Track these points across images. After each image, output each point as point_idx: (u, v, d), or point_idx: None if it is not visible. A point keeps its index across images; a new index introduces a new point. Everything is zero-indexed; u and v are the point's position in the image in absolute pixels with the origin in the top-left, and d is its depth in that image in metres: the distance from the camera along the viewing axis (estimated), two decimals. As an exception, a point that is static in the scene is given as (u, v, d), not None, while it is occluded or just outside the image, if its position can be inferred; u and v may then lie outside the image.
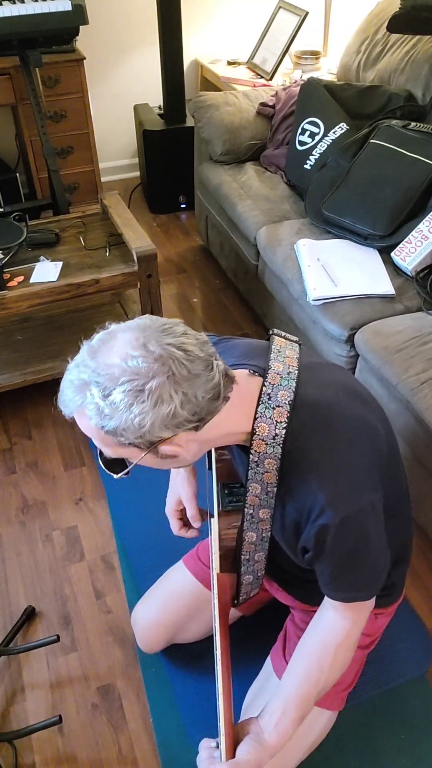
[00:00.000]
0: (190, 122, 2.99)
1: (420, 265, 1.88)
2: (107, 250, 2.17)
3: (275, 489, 0.96)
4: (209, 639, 1.42)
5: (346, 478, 0.92)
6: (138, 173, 3.61)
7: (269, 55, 3.04)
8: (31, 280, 2.01)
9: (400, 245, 1.92)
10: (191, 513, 1.28)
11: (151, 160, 3.11)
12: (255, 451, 0.93)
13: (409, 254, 1.88)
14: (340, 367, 1.09)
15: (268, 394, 0.93)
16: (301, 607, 1.29)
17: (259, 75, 3.07)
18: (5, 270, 2.02)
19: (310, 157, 2.28)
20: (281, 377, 0.94)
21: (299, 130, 2.33)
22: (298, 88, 2.44)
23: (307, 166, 2.29)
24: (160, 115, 3.15)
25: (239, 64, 3.22)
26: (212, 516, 1.18)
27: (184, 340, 0.84)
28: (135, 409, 0.80)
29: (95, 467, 2.01)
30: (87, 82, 2.89)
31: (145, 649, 1.48)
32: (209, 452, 1.22)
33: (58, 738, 1.41)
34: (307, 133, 2.31)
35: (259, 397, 0.93)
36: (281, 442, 0.92)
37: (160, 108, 3.20)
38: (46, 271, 2.04)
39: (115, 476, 0.95)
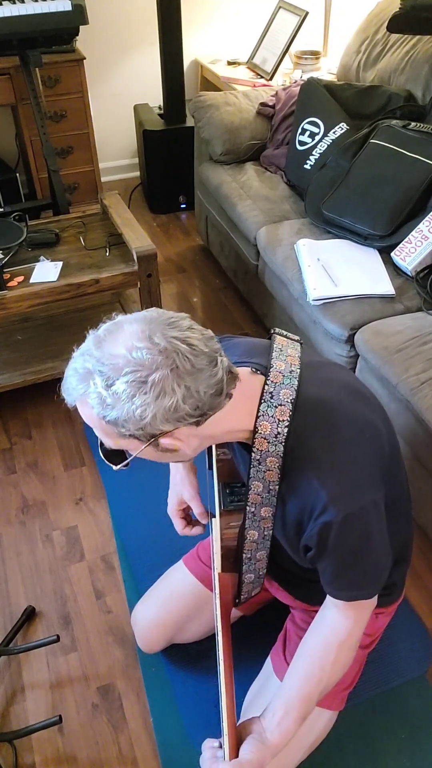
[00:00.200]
0: (190, 122, 2.99)
1: (420, 265, 1.88)
2: (107, 250, 2.17)
3: (277, 487, 0.96)
4: (209, 639, 1.42)
5: (349, 476, 0.92)
6: (138, 173, 3.61)
7: (269, 55, 3.04)
8: (31, 280, 2.00)
9: (400, 245, 1.92)
10: (198, 511, 1.28)
11: (151, 160, 3.11)
12: (257, 449, 0.93)
13: (409, 254, 1.88)
14: (342, 366, 1.09)
15: (271, 393, 0.93)
16: (301, 606, 1.29)
17: (259, 75, 3.07)
18: (5, 270, 2.02)
19: (310, 157, 2.28)
20: (283, 376, 0.95)
21: (299, 130, 2.33)
22: (298, 88, 2.44)
23: (307, 166, 2.29)
24: (160, 115, 3.15)
25: (239, 64, 3.22)
26: (213, 516, 1.18)
27: (190, 335, 0.84)
28: (137, 400, 0.80)
29: (95, 467, 2.01)
30: (87, 82, 2.89)
31: (145, 649, 1.48)
32: (209, 452, 1.22)
33: (58, 738, 1.41)
34: (307, 133, 2.31)
35: (262, 395, 0.93)
36: (283, 440, 0.92)
37: (160, 108, 3.20)
38: (46, 271, 2.04)
39: (114, 467, 0.95)
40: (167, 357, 0.81)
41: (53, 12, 2.20)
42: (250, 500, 0.98)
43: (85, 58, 2.82)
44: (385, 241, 1.98)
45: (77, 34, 2.34)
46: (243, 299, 2.67)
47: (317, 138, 2.28)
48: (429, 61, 2.25)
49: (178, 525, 1.32)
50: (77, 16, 2.24)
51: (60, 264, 2.07)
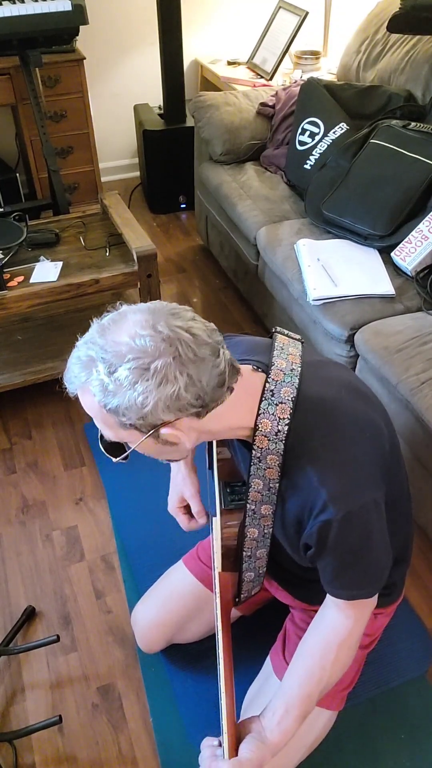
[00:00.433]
0: (190, 122, 2.99)
1: (420, 265, 1.88)
2: (107, 250, 2.17)
3: (277, 485, 0.96)
4: (209, 639, 1.42)
5: (349, 475, 0.92)
6: (138, 173, 3.61)
7: (269, 55, 3.04)
8: (31, 280, 2.01)
9: (400, 245, 1.92)
10: (196, 509, 1.28)
11: (151, 160, 3.11)
12: (257, 447, 0.93)
13: (409, 254, 1.88)
14: (343, 365, 1.09)
15: (271, 391, 0.93)
16: (301, 606, 1.29)
17: (259, 75, 3.07)
18: (5, 270, 2.02)
19: (310, 157, 2.28)
20: (284, 374, 0.95)
21: (299, 130, 2.33)
22: (298, 88, 2.44)
23: (307, 166, 2.29)
24: (160, 115, 3.15)
25: (239, 64, 3.22)
26: (214, 515, 1.18)
27: (193, 325, 0.85)
28: (139, 386, 0.81)
29: (95, 467, 2.01)
30: (87, 82, 2.89)
31: (145, 649, 1.48)
32: (210, 451, 1.22)
33: (58, 738, 1.41)
34: (307, 133, 2.31)
35: (262, 393, 0.93)
36: (284, 438, 0.92)
37: (160, 108, 3.20)
38: (46, 271, 2.04)
39: (114, 460, 0.95)
40: (170, 345, 0.81)
41: (53, 12, 2.20)
42: (250, 498, 0.98)
43: (85, 58, 2.82)
44: (385, 241, 1.98)
45: (77, 34, 2.34)
46: (243, 299, 2.67)
47: (317, 138, 2.28)
48: (429, 61, 2.25)
49: (183, 521, 1.32)
50: (77, 16, 2.24)
51: (60, 264, 2.07)
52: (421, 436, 1.58)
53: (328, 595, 1.03)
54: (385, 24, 2.26)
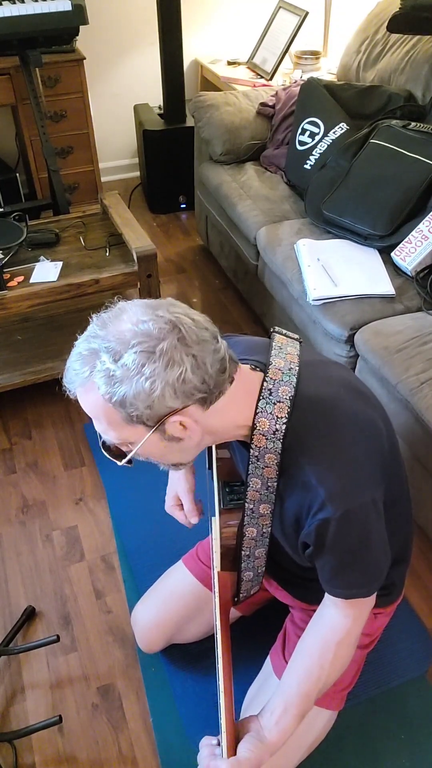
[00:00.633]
0: (190, 122, 2.99)
1: (420, 265, 1.88)
2: (107, 250, 2.17)
3: (275, 484, 0.96)
4: (209, 639, 1.42)
5: (347, 473, 0.92)
6: (138, 173, 3.61)
7: (269, 55, 3.04)
8: (31, 280, 2.01)
9: (400, 245, 1.92)
10: (188, 507, 1.28)
11: (151, 160, 3.11)
12: (255, 446, 0.93)
13: (409, 254, 1.88)
14: (342, 365, 1.09)
15: (269, 390, 0.93)
16: (300, 606, 1.29)
17: (259, 75, 3.07)
18: (5, 270, 2.02)
19: (310, 157, 2.28)
20: (282, 373, 0.95)
21: (299, 130, 2.33)
22: (298, 88, 2.44)
23: (307, 166, 2.29)
24: (160, 115, 3.15)
25: (239, 64, 3.22)
26: (213, 515, 1.18)
27: (191, 311, 0.87)
28: (146, 369, 0.81)
29: (95, 467, 2.01)
30: (87, 82, 2.89)
31: (145, 649, 1.48)
32: (209, 451, 1.22)
33: (58, 738, 1.41)
34: (307, 133, 2.31)
35: (260, 392, 0.93)
36: (281, 437, 0.92)
37: (160, 108, 3.20)
38: (46, 271, 2.04)
39: (119, 463, 0.94)
40: (174, 327, 0.83)
41: (53, 12, 2.20)
42: (248, 497, 0.98)
43: (85, 58, 2.82)
44: (385, 241, 1.98)
45: (77, 34, 2.34)
46: (243, 299, 2.67)
47: (317, 138, 2.28)
48: (429, 61, 2.25)
49: (180, 516, 1.31)
50: (77, 16, 2.24)
51: (60, 264, 2.07)
52: (421, 436, 1.58)
53: (326, 594, 1.03)
54: (385, 24, 2.26)
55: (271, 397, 0.93)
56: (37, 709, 1.46)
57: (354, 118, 2.28)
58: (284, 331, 1.05)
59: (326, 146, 2.24)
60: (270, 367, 0.95)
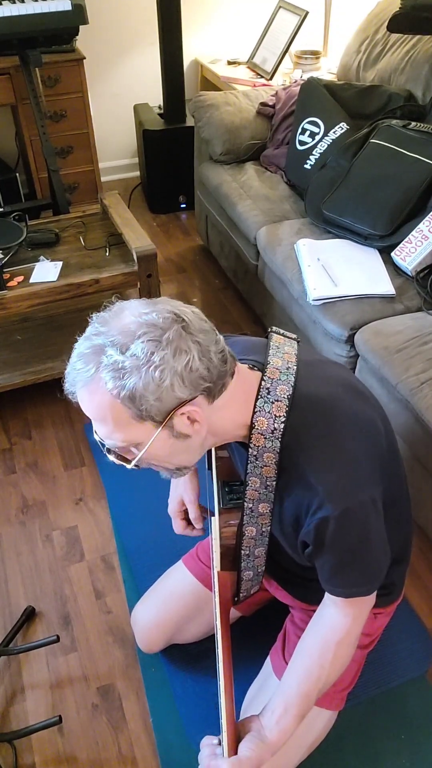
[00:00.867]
0: (190, 122, 2.99)
1: (420, 265, 1.88)
2: (107, 250, 2.17)
3: (274, 483, 0.96)
4: (209, 639, 1.42)
5: (346, 472, 0.92)
6: (138, 173, 3.60)
7: (269, 55, 3.04)
8: (31, 280, 2.01)
9: (400, 245, 1.92)
10: (194, 516, 1.29)
11: (151, 160, 3.11)
12: (254, 445, 0.93)
13: (409, 254, 1.88)
14: (340, 365, 1.09)
15: (267, 389, 0.93)
16: (300, 606, 1.29)
17: (259, 75, 3.07)
18: (5, 270, 2.02)
19: (310, 157, 2.28)
20: (280, 372, 0.95)
21: (299, 130, 2.33)
22: (298, 87, 2.44)
23: (307, 166, 2.29)
24: (160, 115, 3.15)
25: (239, 63, 3.22)
26: (213, 514, 1.18)
27: (188, 306, 0.89)
28: (156, 357, 0.81)
29: (95, 467, 2.01)
30: (87, 82, 2.89)
31: (145, 649, 1.48)
32: (209, 452, 1.22)
33: (58, 738, 1.41)
34: (307, 132, 2.31)
35: (258, 391, 0.93)
36: (280, 436, 0.92)
37: (160, 108, 3.20)
38: (46, 271, 2.04)
39: (128, 466, 0.93)
40: (177, 316, 0.84)
41: (53, 12, 2.20)
42: (247, 496, 0.98)
43: (85, 58, 2.82)
44: (385, 240, 1.98)
45: (77, 34, 2.34)
46: (243, 299, 2.67)
47: (317, 138, 2.28)
48: (429, 61, 2.25)
49: (178, 526, 1.32)
50: (77, 16, 2.24)
51: (60, 264, 2.07)
52: (421, 436, 1.58)
53: (326, 594, 1.03)
54: (385, 24, 2.26)
55: (269, 396, 0.93)
56: (37, 709, 1.46)
57: (354, 118, 2.27)
58: (281, 331, 1.05)
59: (326, 146, 2.24)
60: (268, 366, 0.95)
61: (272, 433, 0.92)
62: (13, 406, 2.23)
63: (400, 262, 1.91)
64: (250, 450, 0.94)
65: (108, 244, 2.18)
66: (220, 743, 0.97)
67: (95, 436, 0.92)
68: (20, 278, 2.01)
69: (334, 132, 2.25)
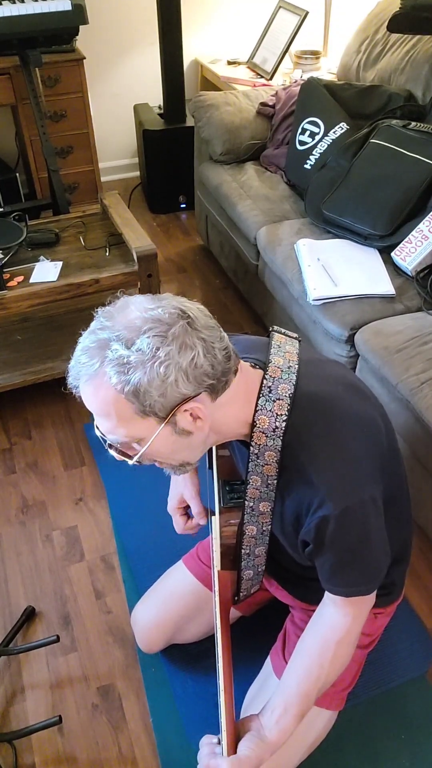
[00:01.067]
0: (190, 122, 2.99)
1: (420, 265, 1.88)
2: (107, 249, 2.17)
3: (275, 481, 0.96)
4: (209, 639, 1.42)
5: (347, 471, 0.92)
6: (138, 173, 3.61)
7: (269, 55, 3.04)
8: (31, 280, 2.00)
9: (401, 245, 1.92)
10: (197, 510, 1.28)
11: (151, 160, 3.11)
12: (255, 443, 0.93)
13: (409, 254, 1.88)
14: (341, 364, 1.09)
15: (269, 387, 0.93)
16: (300, 606, 1.29)
17: (259, 75, 3.07)
18: (5, 270, 2.02)
19: (310, 157, 2.28)
20: (282, 371, 0.95)
21: (299, 130, 2.33)
22: (298, 87, 2.44)
23: (307, 166, 2.29)
24: (160, 115, 3.15)
25: (239, 63, 3.22)
26: (213, 513, 1.18)
27: (193, 302, 0.89)
28: (161, 353, 0.81)
29: (95, 467, 2.01)
30: (87, 82, 2.89)
31: (145, 649, 1.48)
32: (209, 451, 1.22)
33: (58, 738, 1.41)
34: (307, 132, 2.31)
35: (260, 389, 0.93)
36: (281, 434, 0.92)
37: (160, 108, 3.20)
38: (46, 271, 2.04)
39: (129, 462, 0.93)
40: (182, 312, 0.84)
41: (53, 12, 2.20)
42: (248, 495, 0.98)
43: (85, 58, 2.82)
44: (385, 241, 1.98)
45: (77, 34, 2.34)
46: (243, 299, 2.67)
47: (317, 138, 2.28)
48: (429, 61, 2.25)
49: (178, 523, 1.32)
50: (77, 16, 2.24)
51: (60, 264, 2.07)
52: (421, 436, 1.58)
53: (326, 593, 1.03)
54: (385, 24, 2.26)
55: (270, 395, 0.93)
56: (37, 709, 1.46)
57: (354, 118, 2.27)
58: (283, 330, 1.05)
59: (326, 146, 2.24)
60: (269, 365, 0.96)
61: (274, 431, 0.92)
62: (13, 406, 2.23)
63: (400, 262, 1.91)
64: (251, 448, 0.94)
65: (108, 244, 2.18)
66: (219, 742, 0.98)
67: (96, 431, 0.92)
68: (20, 278, 2.01)
69: (334, 132, 2.25)
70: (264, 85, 2.96)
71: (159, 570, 1.49)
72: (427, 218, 1.88)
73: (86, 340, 0.85)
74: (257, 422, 0.93)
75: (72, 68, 2.82)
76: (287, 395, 0.93)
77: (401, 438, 1.65)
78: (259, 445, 0.93)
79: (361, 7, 2.71)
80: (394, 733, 1.39)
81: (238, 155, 2.53)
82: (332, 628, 1.03)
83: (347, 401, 0.97)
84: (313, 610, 1.09)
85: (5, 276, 1.99)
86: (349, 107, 2.31)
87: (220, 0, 3.26)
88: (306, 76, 2.57)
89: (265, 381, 0.94)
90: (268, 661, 1.31)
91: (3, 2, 2.17)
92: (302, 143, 2.32)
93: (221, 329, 0.90)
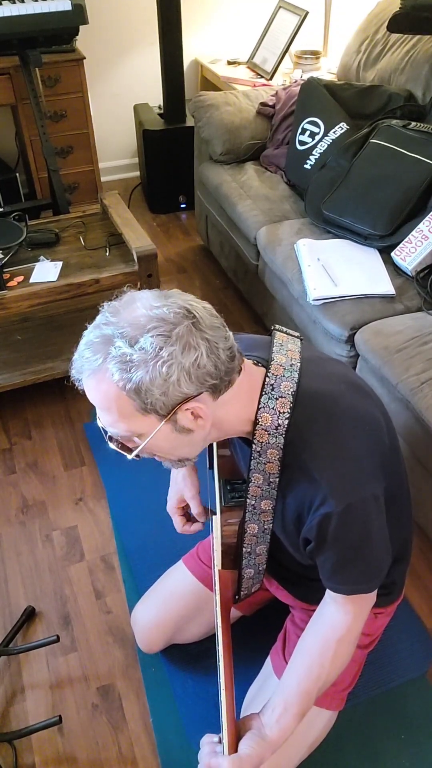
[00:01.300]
0: (190, 122, 2.99)
1: (420, 265, 1.88)
2: (107, 249, 2.17)
3: (277, 479, 0.96)
4: (209, 639, 1.42)
5: (349, 469, 0.92)
6: (138, 173, 3.61)
7: (269, 55, 3.04)
8: (31, 280, 2.00)
9: (400, 245, 1.92)
10: (196, 510, 1.28)
11: (151, 160, 3.11)
12: (257, 441, 0.93)
13: (409, 254, 1.88)
14: (341, 362, 1.10)
15: (271, 385, 0.93)
16: (300, 605, 1.29)
17: (259, 75, 3.07)
18: (5, 270, 2.02)
19: (310, 157, 2.28)
20: (284, 369, 0.95)
21: (299, 130, 2.33)
22: (298, 87, 2.44)
23: (307, 166, 2.29)
24: (160, 115, 3.15)
25: (239, 63, 3.22)
26: (214, 513, 1.18)
27: (200, 300, 0.89)
28: (164, 352, 0.81)
29: (95, 467, 2.01)
30: (87, 82, 2.89)
31: (145, 649, 1.48)
32: (210, 450, 1.22)
33: (58, 738, 1.41)
34: (307, 132, 2.31)
35: (263, 387, 0.93)
36: (284, 432, 0.92)
37: (160, 108, 3.20)
38: (46, 271, 2.04)
39: (129, 456, 0.93)
40: (188, 312, 0.84)
41: (53, 12, 2.20)
42: (250, 493, 0.98)
43: (85, 58, 2.82)
44: (385, 240, 1.98)
45: (77, 34, 2.34)
46: (243, 299, 2.67)
47: (317, 138, 2.28)
48: (429, 61, 2.25)
49: (178, 523, 1.32)
50: (77, 16, 2.24)
51: (60, 264, 2.07)
52: (421, 436, 1.58)
53: (327, 592, 1.03)
54: (385, 24, 2.26)
55: (273, 393, 0.93)
56: (37, 709, 1.46)
57: (354, 118, 2.28)
58: (285, 329, 1.06)
59: (326, 146, 2.24)
60: (272, 362, 0.96)
61: (276, 429, 0.93)
62: (13, 406, 2.23)
63: (400, 262, 1.91)
64: (254, 446, 0.94)
65: (108, 244, 2.18)
66: (220, 741, 0.98)
67: (98, 422, 0.92)
68: (20, 278, 2.01)
69: (334, 132, 2.25)
70: (264, 85, 2.96)
71: (159, 570, 1.49)
72: (427, 218, 1.88)
73: (91, 334, 0.85)
74: (260, 420, 0.93)
75: (72, 68, 2.82)
76: (290, 393, 0.93)
77: (401, 438, 1.65)
78: (262, 442, 0.93)
79: (361, 7, 2.71)
80: (394, 733, 1.39)
81: (238, 155, 2.53)
82: (333, 627, 1.03)
83: (349, 399, 0.97)
84: (314, 610, 1.09)
85: (5, 276, 1.99)
86: (349, 107, 2.31)
87: (220, 0, 3.26)
88: (306, 76, 2.57)
89: (267, 379, 0.94)
90: (268, 661, 1.31)
91: (3, 2, 2.17)
92: (302, 143, 2.32)
93: (227, 328, 0.89)
